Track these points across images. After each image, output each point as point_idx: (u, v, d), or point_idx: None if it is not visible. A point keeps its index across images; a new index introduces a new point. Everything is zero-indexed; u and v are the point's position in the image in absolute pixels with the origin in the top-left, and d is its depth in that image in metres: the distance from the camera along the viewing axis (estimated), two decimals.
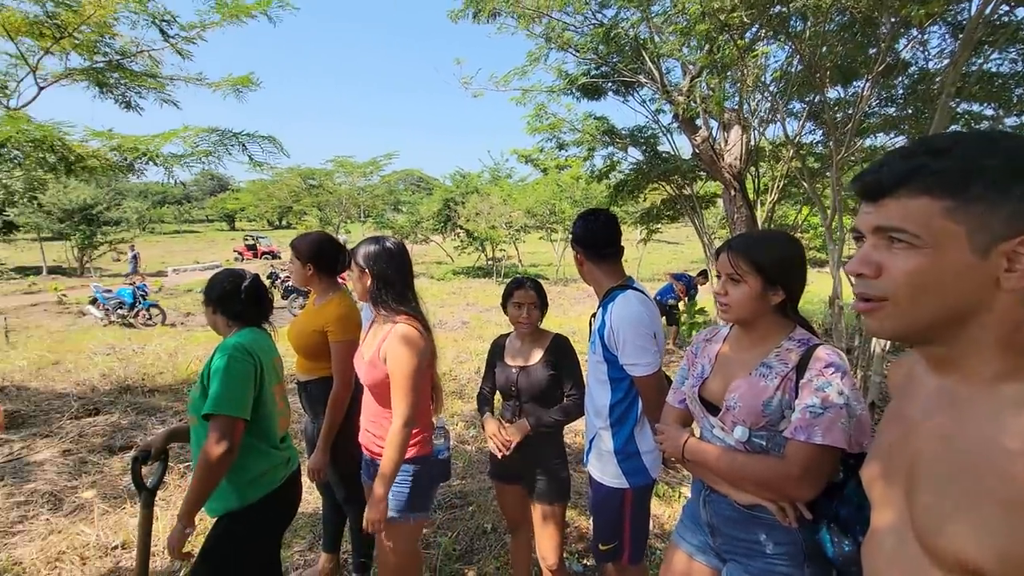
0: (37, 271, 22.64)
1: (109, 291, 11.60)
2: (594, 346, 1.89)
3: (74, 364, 6.95)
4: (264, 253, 29.32)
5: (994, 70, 5.05)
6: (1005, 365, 0.67)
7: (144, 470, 1.97)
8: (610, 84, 6.96)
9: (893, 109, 5.50)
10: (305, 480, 3.24)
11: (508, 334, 2.26)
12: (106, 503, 3.37)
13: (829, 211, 4.68)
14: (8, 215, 22.45)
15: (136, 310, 11.13)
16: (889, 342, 4.44)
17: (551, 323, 2.27)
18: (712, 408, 1.37)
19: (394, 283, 1.85)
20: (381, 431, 1.86)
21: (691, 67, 5.81)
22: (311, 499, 3.39)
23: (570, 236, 1.98)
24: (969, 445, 0.66)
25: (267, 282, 13.86)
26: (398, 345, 1.75)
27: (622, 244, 1.93)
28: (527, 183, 24.09)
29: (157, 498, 3.41)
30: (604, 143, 7.73)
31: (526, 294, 2.11)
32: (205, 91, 4.50)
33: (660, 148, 7.93)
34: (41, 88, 3.99)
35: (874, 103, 5.35)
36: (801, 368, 1.24)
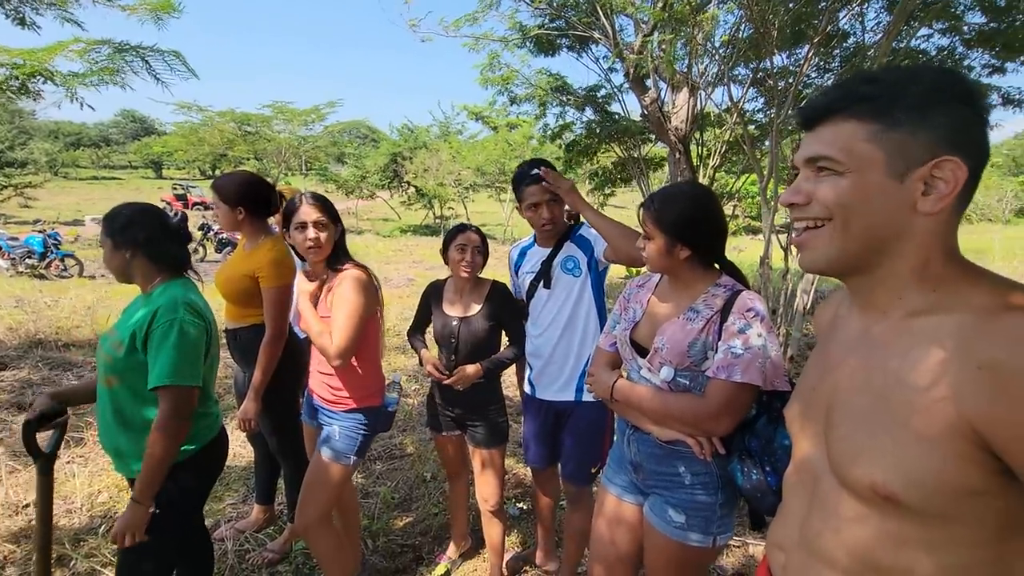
0: None
1: (15, 239, 10.57)
2: (580, 271, 2.02)
3: None
4: (196, 204, 27.40)
5: (922, 47, 5.32)
6: (918, 300, 0.70)
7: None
8: (564, 39, 6.80)
9: (830, 79, 5.71)
10: (240, 434, 3.15)
11: (445, 280, 2.23)
12: (15, 461, 3.15)
13: (766, 177, 4.86)
14: None
15: (48, 260, 10.22)
16: (809, 303, 4.75)
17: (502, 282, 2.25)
18: (641, 350, 1.43)
19: (343, 234, 1.93)
20: (340, 380, 1.90)
21: (644, 25, 5.75)
22: (244, 453, 3.31)
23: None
24: (883, 380, 0.70)
25: (199, 234, 13.12)
26: (349, 285, 1.81)
27: None
28: (477, 140, 23.55)
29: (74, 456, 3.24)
30: (558, 100, 7.60)
31: (469, 237, 2.08)
32: (119, 19, 3.99)
33: (611, 109, 7.90)
34: None
35: (813, 73, 5.53)
36: (725, 312, 1.31)
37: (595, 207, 1.95)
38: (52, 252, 10.28)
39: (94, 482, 2.98)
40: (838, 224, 0.72)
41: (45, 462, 1.66)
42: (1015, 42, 4.76)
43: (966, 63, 5.32)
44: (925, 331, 0.68)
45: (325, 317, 1.86)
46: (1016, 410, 0.57)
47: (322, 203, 1.89)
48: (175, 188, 29.79)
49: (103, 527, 2.58)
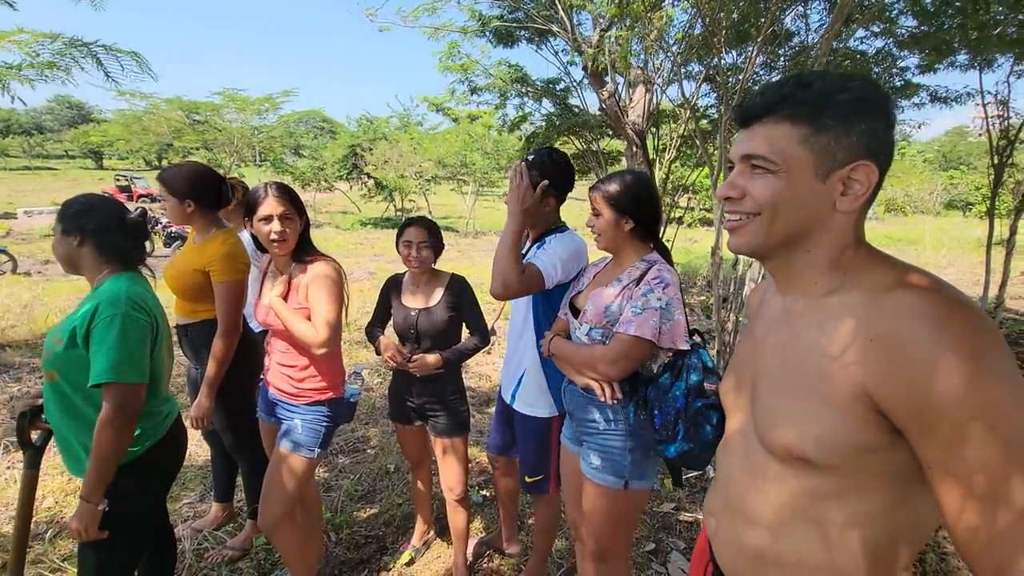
0: None
1: None
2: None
3: None
4: (141, 196, 26.02)
5: (860, 48, 5.62)
6: (833, 281, 0.79)
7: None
8: (523, 32, 6.83)
9: (776, 76, 5.96)
10: (195, 433, 3.06)
11: (404, 273, 2.25)
12: None
13: (716, 170, 5.04)
14: None
15: None
16: None
17: (461, 274, 2.26)
18: (578, 314, 1.65)
19: (307, 226, 1.93)
20: (303, 372, 1.90)
21: (601, 20, 5.85)
22: (201, 452, 3.24)
23: (529, 175, 1.72)
24: (799, 353, 0.78)
25: None
26: (325, 273, 1.84)
27: None
28: (437, 132, 23.31)
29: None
30: (517, 91, 7.64)
31: (416, 232, 2.10)
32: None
33: (570, 102, 8.01)
34: None
35: (760, 71, 5.74)
36: (640, 281, 1.52)
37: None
38: None
39: (39, 487, 2.86)
40: (766, 218, 0.79)
41: (34, 454, 1.63)
42: (942, 44, 5.09)
43: (900, 64, 5.66)
44: (834, 307, 0.77)
45: (298, 309, 1.83)
46: (900, 376, 0.66)
47: (288, 195, 1.85)
48: (118, 179, 28.14)
49: (49, 532, 2.48)
